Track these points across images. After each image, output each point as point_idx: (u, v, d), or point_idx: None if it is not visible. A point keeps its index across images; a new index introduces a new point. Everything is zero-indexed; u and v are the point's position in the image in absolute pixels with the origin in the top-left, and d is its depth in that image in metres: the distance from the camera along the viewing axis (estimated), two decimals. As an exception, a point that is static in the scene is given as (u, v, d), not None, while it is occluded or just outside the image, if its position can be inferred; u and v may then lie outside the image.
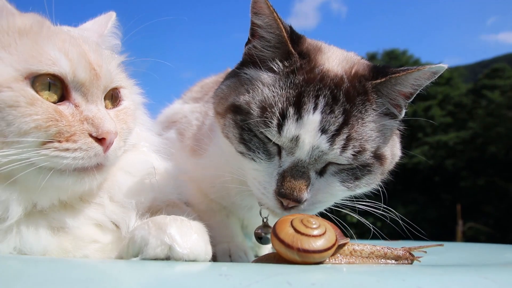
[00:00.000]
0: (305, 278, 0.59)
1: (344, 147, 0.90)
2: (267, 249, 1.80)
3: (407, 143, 1.10)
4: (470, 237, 13.67)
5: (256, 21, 0.97)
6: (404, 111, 1.02)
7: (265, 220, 1.14)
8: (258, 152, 0.94)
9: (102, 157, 0.81)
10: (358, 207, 1.03)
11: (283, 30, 0.95)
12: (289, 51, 0.96)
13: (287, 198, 0.91)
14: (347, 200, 1.04)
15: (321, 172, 0.95)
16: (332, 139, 0.89)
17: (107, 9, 1.07)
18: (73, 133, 0.77)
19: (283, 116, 0.89)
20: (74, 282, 0.54)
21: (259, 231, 1.14)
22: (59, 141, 0.75)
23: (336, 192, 0.97)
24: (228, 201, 1.26)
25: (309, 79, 0.92)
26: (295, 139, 0.89)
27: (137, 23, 0.97)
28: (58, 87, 0.79)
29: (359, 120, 0.92)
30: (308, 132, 0.89)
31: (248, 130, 0.94)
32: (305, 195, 0.92)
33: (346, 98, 0.91)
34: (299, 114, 0.89)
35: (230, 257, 1.19)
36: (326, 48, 1.05)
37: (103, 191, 0.91)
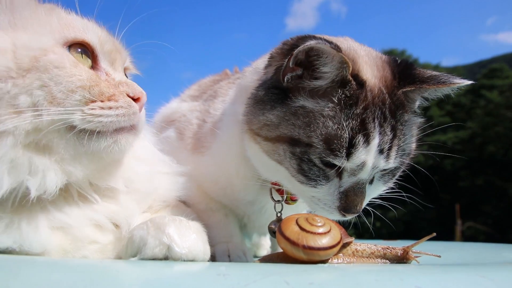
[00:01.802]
0: (303, 277, 0.60)
1: (395, 157, 0.97)
2: (265, 249, 1.81)
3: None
4: (469, 237, 13.70)
5: (322, 68, 0.93)
6: (418, 102, 1.07)
7: (279, 214, 1.17)
8: (319, 180, 0.97)
9: (138, 117, 0.87)
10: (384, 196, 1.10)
11: (351, 67, 0.93)
12: (347, 79, 0.94)
13: (351, 213, 0.98)
14: None
15: (371, 181, 1.01)
16: (387, 156, 0.95)
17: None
18: (113, 93, 0.83)
19: (352, 145, 0.91)
20: (72, 282, 0.54)
21: (273, 225, 1.16)
22: (102, 101, 0.81)
23: (378, 191, 1.06)
24: (231, 198, 1.26)
25: (366, 106, 0.93)
26: (362, 164, 0.93)
27: (136, 24, 0.98)
28: (88, 56, 0.86)
29: (402, 131, 0.97)
30: (371, 156, 0.93)
31: (308, 161, 0.95)
32: (363, 205, 1.00)
33: (391, 114, 0.95)
34: (367, 142, 0.92)
35: (229, 257, 1.19)
36: (355, 55, 1.02)
37: (118, 178, 0.93)
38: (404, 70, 1.01)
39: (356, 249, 0.87)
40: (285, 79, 0.98)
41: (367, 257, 0.87)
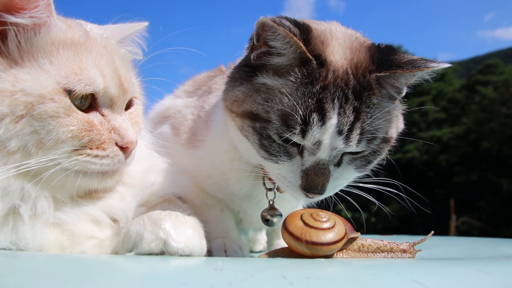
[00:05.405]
0: (300, 271, 0.60)
1: (359, 141, 0.96)
2: (261, 244, 1.81)
3: (401, 140, 1.11)
4: (463, 232, 13.80)
5: (272, 43, 0.96)
6: (405, 90, 1.05)
7: (271, 202, 1.18)
8: (280, 156, 0.99)
9: (123, 163, 0.89)
10: (365, 186, 1.10)
11: (303, 46, 0.93)
12: (306, 58, 0.95)
13: (312, 193, 0.98)
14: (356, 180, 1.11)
15: (338, 163, 1.01)
16: (347, 138, 0.94)
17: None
18: (103, 141, 0.85)
19: (306, 123, 0.92)
20: (68, 277, 0.53)
21: (266, 213, 1.18)
22: (90, 148, 0.83)
23: (350, 176, 1.06)
24: (226, 192, 1.26)
25: (325, 85, 0.94)
26: (318, 143, 0.94)
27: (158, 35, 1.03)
28: (88, 99, 0.85)
29: (368, 114, 0.96)
30: (328, 136, 0.93)
31: (267, 137, 0.98)
32: (327, 186, 0.99)
33: (354, 96, 0.94)
34: (322, 121, 0.92)
35: (225, 252, 1.19)
36: (329, 37, 1.02)
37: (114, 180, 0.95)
38: (384, 56, 1.00)
39: (362, 244, 0.88)
40: (252, 56, 1.01)
41: (372, 252, 0.87)
